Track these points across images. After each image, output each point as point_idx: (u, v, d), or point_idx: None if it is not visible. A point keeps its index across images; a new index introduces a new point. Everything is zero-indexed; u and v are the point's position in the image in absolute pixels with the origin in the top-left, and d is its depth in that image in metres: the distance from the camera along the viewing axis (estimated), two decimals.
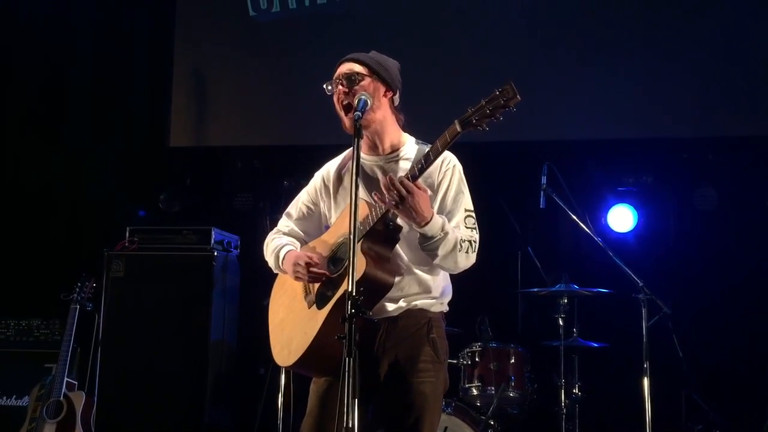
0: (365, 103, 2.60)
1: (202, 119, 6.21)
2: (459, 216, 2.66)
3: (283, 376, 4.46)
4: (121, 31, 6.27)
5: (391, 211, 2.54)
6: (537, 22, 5.76)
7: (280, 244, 2.88)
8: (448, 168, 2.69)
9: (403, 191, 2.45)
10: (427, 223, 2.51)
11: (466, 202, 2.70)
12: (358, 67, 2.71)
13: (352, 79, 2.68)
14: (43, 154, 6.27)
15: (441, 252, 2.56)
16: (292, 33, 6.04)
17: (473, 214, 2.68)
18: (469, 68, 5.58)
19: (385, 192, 2.48)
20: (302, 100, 5.84)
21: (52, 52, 6.29)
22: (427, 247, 2.57)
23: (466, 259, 2.62)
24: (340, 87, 2.69)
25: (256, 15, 6.10)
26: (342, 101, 2.69)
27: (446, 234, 2.55)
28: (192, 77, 6.19)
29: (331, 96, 2.74)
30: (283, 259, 2.82)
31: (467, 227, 2.65)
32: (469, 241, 2.61)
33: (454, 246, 2.56)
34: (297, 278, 2.74)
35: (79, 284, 4.82)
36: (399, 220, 2.60)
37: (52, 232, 6.05)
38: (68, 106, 6.32)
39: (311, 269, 2.68)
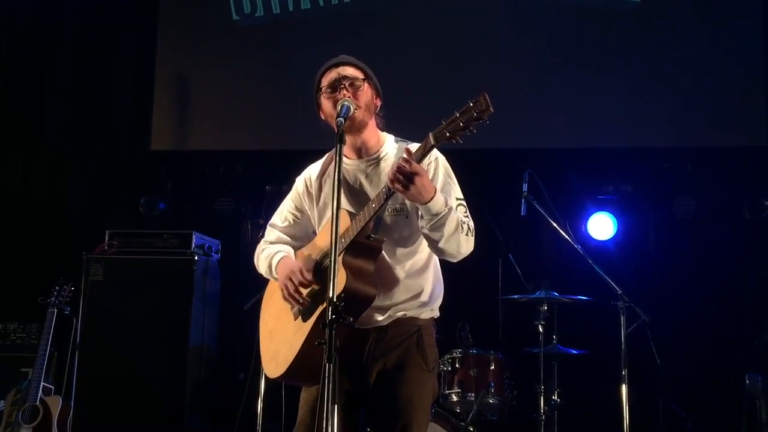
0: (348, 108, 2.58)
1: (184, 123, 6.18)
2: (452, 205, 2.59)
3: (263, 382, 4.43)
4: (103, 34, 6.23)
5: (371, 224, 2.51)
6: (521, 32, 5.80)
7: (272, 252, 2.84)
8: (431, 162, 2.66)
9: (409, 172, 2.39)
10: (432, 197, 2.46)
11: (456, 191, 2.66)
12: (358, 73, 2.70)
13: (356, 85, 2.67)
14: (23, 158, 6.21)
15: (446, 231, 2.50)
16: (276, 37, 6.04)
17: (464, 203, 2.64)
18: (453, 74, 5.59)
19: (392, 180, 2.42)
20: (285, 105, 5.84)
21: (32, 56, 6.25)
22: (434, 226, 2.49)
23: (467, 243, 2.57)
24: (345, 92, 2.65)
25: (240, 19, 6.09)
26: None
27: (450, 210, 2.51)
28: (174, 81, 6.16)
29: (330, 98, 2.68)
30: (276, 265, 2.79)
31: (462, 215, 2.60)
32: (468, 224, 2.58)
33: (457, 225, 2.52)
34: (283, 290, 2.70)
35: (56, 288, 4.73)
36: (379, 234, 2.57)
37: (31, 235, 5.99)
38: (48, 108, 6.27)
39: (299, 287, 2.65)
